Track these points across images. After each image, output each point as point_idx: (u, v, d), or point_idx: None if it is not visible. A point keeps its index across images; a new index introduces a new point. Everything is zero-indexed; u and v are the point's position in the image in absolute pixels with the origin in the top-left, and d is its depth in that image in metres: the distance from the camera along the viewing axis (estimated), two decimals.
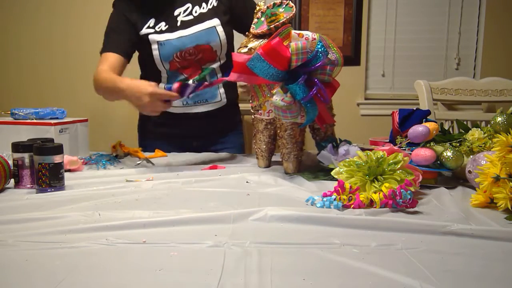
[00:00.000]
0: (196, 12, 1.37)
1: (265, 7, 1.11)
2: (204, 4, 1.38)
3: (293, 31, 0.98)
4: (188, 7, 1.38)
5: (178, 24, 1.36)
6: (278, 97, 0.95)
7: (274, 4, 1.10)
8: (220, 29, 1.35)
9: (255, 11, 1.13)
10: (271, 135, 1.16)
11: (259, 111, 1.14)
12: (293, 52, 0.94)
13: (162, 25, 1.35)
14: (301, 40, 0.96)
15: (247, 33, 1.11)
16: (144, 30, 1.35)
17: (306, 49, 0.94)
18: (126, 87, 1.12)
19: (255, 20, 1.11)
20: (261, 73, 0.95)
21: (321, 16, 2.28)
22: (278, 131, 1.11)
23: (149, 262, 0.57)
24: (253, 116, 1.18)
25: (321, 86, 0.97)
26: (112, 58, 1.31)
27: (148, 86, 1.07)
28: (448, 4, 2.30)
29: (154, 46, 1.34)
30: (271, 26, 1.04)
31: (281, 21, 1.04)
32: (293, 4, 1.09)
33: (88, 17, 2.35)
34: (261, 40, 1.05)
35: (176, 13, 1.36)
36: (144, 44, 1.35)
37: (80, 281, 0.51)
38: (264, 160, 1.19)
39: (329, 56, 1.00)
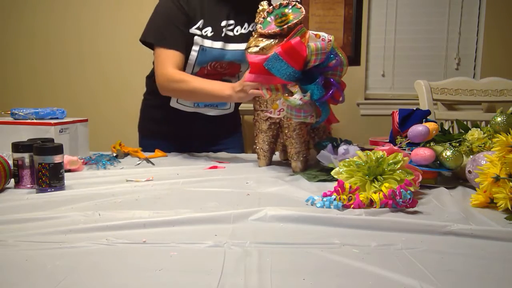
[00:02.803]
0: (237, 31, 1.36)
1: (271, 7, 1.11)
2: (246, 25, 1.38)
3: (310, 32, 0.99)
4: (232, 24, 1.36)
5: (222, 35, 1.34)
6: (297, 96, 0.97)
7: (281, 4, 1.09)
8: None
9: (259, 11, 1.13)
10: (274, 135, 1.17)
11: (269, 110, 1.13)
12: (312, 52, 0.95)
13: (209, 31, 1.32)
14: (319, 40, 0.97)
15: (253, 32, 1.11)
16: (193, 30, 1.31)
17: (325, 49, 0.96)
18: (229, 90, 1.18)
19: (261, 19, 1.11)
20: (279, 73, 0.97)
21: (321, 16, 2.28)
22: (286, 131, 1.11)
23: (149, 262, 0.57)
24: (254, 117, 1.18)
25: (338, 86, 0.98)
26: (177, 57, 1.29)
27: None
28: (448, 4, 2.30)
29: (195, 48, 1.31)
30: (284, 27, 1.04)
31: (294, 22, 1.04)
32: (301, 5, 1.08)
33: (87, 17, 2.35)
34: (272, 40, 1.05)
35: (222, 24, 1.35)
36: (187, 42, 1.32)
37: (80, 281, 0.51)
38: (265, 160, 1.19)
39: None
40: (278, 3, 1.10)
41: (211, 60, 1.33)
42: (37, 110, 1.25)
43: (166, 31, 1.31)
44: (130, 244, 0.62)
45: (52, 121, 1.20)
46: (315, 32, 0.99)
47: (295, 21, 1.03)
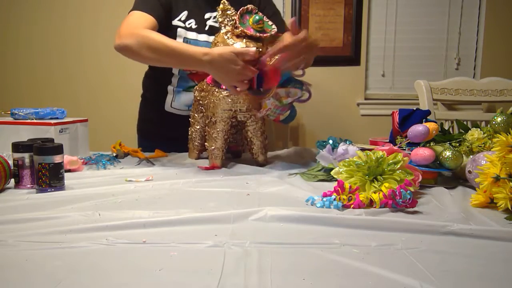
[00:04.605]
0: None
1: (245, 7, 1.13)
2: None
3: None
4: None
5: (206, 28, 1.34)
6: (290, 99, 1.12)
7: (246, 9, 1.12)
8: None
9: (240, 10, 1.13)
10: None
11: (261, 110, 1.15)
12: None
13: (192, 23, 1.32)
14: None
15: (225, 30, 1.11)
16: (176, 22, 1.32)
17: None
18: (208, 55, 1.03)
19: (235, 19, 1.11)
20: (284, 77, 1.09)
21: (321, 16, 2.28)
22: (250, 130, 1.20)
23: (149, 262, 0.57)
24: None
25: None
26: (150, 21, 1.19)
27: (229, 47, 1.01)
28: (448, 4, 2.30)
29: (179, 41, 1.31)
30: (267, 34, 1.09)
31: (273, 30, 1.11)
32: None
33: (87, 17, 2.35)
34: (244, 39, 1.09)
35: (206, 16, 1.35)
36: (170, 35, 1.28)
37: (80, 281, 0.51)
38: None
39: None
40: (245, 7, 1.13)
41: None
42: (37, 110, 1.25)
43: (144, 2, 1.25)
44: (130, 244, 0.62)
45: (52, 121, 1.20)
46: None
47: (273, 30, 1.11)
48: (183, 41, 1.31)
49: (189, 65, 1.13)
